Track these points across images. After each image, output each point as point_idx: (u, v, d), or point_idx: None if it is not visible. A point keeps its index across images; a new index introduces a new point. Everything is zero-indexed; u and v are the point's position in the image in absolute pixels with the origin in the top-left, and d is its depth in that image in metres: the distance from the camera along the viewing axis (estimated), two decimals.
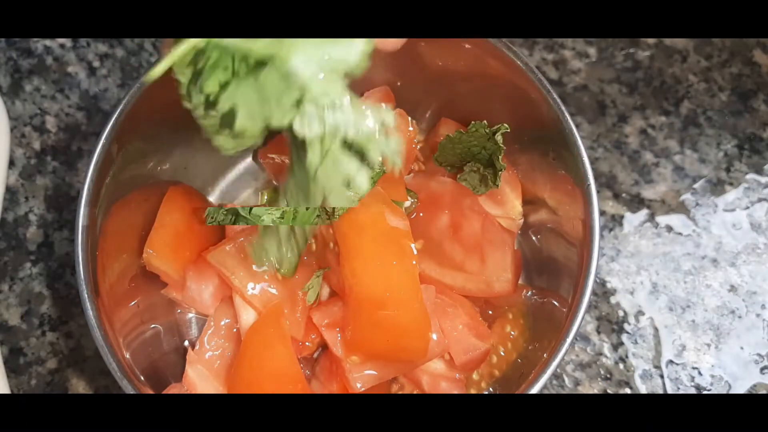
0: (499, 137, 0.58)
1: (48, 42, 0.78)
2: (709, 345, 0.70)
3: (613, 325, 0.71)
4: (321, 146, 0.42)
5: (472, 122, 0.60)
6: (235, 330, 0.61)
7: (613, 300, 0.71)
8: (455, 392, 0.61)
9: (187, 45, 0.42)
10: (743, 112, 0.77)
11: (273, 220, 0.53)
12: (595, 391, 0.69)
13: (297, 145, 0.44)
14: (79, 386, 0.68)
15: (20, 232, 0.72)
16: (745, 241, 0.73)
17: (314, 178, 0.43)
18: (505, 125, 0.58)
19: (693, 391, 0.69)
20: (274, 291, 0.59)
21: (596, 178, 0.63)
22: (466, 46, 0.59)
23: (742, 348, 0.70)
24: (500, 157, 0.59)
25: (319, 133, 0.42)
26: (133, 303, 0.60)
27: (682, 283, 0.72)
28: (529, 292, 0.64)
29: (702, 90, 0.78)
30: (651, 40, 0.79)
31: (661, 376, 0.69)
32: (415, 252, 0.55)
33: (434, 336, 0.56)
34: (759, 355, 0.70)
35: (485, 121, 0.59)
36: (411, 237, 0.56)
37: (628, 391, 0.69)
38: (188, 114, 0.60)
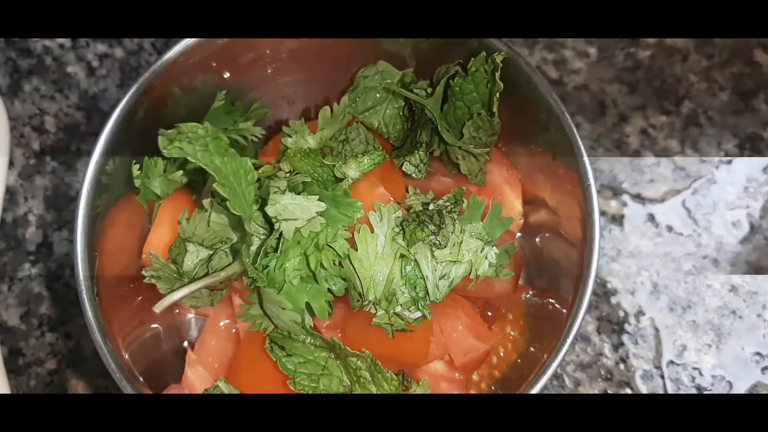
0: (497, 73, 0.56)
1: (47, 42, 0.78)
2: (709, 345, 0.70)
3: (613, 325, 0.71)
4: None
5: (472, 59, 0.57)
6: (234, 330, 0.61)
7: (613, 300, 0.71)
8: (455, 393, 0.60)
9: None
10: (744, 111, 0.77)
11: None
12: (596, 392, 0.69)
13: None
14: (78, 387, 0.68)
15: (19, 232, 0.72)
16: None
17: None
18: (503, 53, 0.56)
19: (694, 391, 0.69)
20: None
21: (596, 178, 0.63)
22: (467, 46, 0.59)
23: (742, 348, 0.70)
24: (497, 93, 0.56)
25: None
26: (132, 303, 0.60)
27: (682, 283, 0.72)
28: (530, 293, 0.64)
29: (703, 89, 0.78)
30: (651, 40, 0.79)
31: (662, 377, 0.69)
32: None
33: (434, 337, 0.56)
34: (759, 354, 0.70)
35: (483, 53, 0.56)
36: None
37: (628, 391, 0.69)
38: (186, 113, 0.60)
